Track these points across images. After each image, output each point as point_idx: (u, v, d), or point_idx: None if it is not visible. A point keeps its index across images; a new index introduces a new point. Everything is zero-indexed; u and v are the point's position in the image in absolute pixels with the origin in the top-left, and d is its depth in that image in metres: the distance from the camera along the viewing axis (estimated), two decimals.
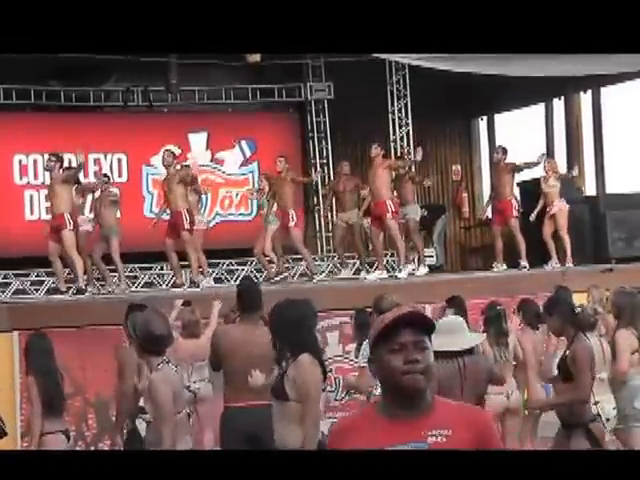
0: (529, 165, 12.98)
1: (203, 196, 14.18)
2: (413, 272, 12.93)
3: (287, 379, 5.29)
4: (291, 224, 12.83)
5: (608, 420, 6.62)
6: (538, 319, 8.22)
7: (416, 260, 13.35)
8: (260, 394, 5.90)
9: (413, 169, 13.61)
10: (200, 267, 12.58)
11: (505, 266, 13.02)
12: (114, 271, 12.59)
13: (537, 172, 13.42)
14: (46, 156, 11.91)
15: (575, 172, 13.45)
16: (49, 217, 12.36)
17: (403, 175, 13.30)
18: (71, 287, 11.77)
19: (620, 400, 7.03)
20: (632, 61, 12.64)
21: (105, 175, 13.33)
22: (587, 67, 12.78)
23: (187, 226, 12.07)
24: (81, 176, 12.87)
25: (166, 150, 12.92)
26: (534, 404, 7.51)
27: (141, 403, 5.56)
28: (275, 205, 13.23)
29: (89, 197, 13.29)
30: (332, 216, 15.17)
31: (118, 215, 12.84)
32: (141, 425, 6.81)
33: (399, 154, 15.09)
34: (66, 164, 12.06)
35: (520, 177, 13.91)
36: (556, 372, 6.25)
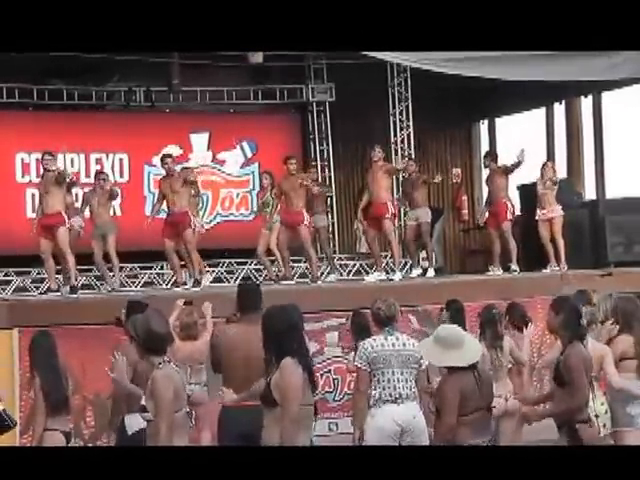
0: (515, 165, 12.89)
1: (203, 197, 14.15)
2: (424, 273, 13.07)
3: (273, 385, 5.30)
4: (303, 224, 12.53)
5: (597, 417, 6.62)
6: (524, 320, 8.28)
7: (427, 262, 13.49)
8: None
9: (422, 174, 13.74)
10: (201, 265, 12.65)
11: (501, 270, 13.03)
12: (111, 269, 12.56)
13: (536, 176, 13.41)
14: (45, 155, 11.84)
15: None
16: (34, 215, 12.39)
17: (417, 179, 13.38)
18: (62, 285, 11.79)
19: (613, 404, 7.04)
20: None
21: (101, 172, 13.24)
22: (586, 72, 12.83)
23: (192, 225, 12.12)
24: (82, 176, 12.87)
25: (166, 155, 12.77)
26: (532, 416, 7.20)
27: (142, 402, 5.58)
28: (279, 205, 13.12)
29: (79, 193, 13.17)
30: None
31: (117, 212, 12.81)
32: (129, 422, 6.84)
33: (402, 157, 15.11)
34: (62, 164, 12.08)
35: (520, 181, 13.94)
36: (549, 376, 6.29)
